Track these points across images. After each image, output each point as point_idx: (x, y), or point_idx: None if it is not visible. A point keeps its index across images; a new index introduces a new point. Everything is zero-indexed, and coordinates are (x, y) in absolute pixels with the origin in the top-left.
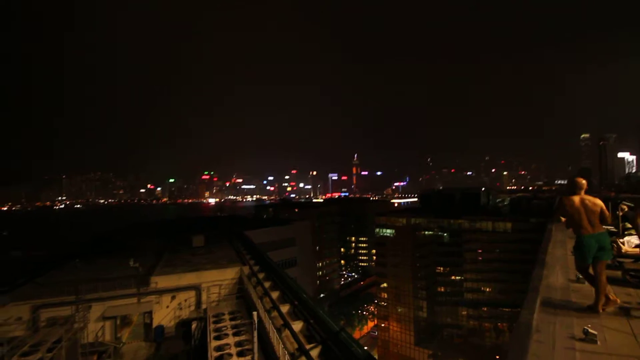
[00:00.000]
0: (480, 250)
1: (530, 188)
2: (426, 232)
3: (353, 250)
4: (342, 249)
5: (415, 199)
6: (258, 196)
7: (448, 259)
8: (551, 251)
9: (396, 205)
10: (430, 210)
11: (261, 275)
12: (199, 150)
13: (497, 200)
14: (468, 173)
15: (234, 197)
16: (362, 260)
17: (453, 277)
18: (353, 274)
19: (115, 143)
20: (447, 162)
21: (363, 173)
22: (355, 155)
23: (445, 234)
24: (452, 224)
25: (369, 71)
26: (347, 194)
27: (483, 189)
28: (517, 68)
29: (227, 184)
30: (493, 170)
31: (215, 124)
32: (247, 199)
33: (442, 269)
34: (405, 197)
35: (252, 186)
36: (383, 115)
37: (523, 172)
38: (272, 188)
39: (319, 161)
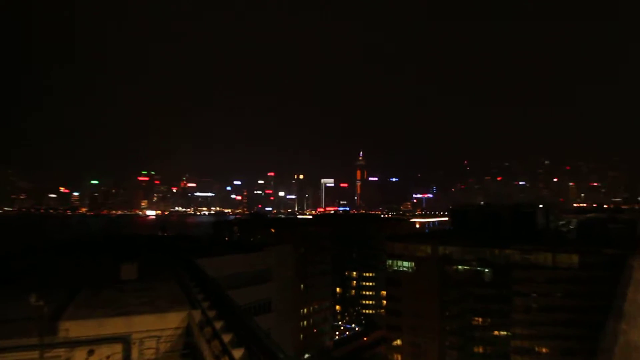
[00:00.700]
0: (535, 295)
1: (606, 206)
2: (460, 267)
3: (354, 291)
4: (337, 289)
5: (445, 218)
6: (218, 208)
7: (490, 306)
8: (632, 297)
9: (418, 226)
10: (467, 234)
11: (219, 325)
12: (135, 141)
13: (560, 222)
14: (520, 183)
15: (184, 209)
16: (367, 306)
17: (496, 333)
18: (353, 325)
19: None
20: (491, 167)
21: (371, 179)
22: (361, 154)
23: (486, 270)
24: (497, 256)
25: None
26: (347, 208)
27: (541, 205)
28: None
29: (175, 190)
30: (555, 179)
31: (157, 104)
32: (203, 212)
33: (480, 320)
34: (430, 215)
35: (210, 194)
36: (403, 101)
37: (596, 184)
38: (238, 197)
39: (309, 161)
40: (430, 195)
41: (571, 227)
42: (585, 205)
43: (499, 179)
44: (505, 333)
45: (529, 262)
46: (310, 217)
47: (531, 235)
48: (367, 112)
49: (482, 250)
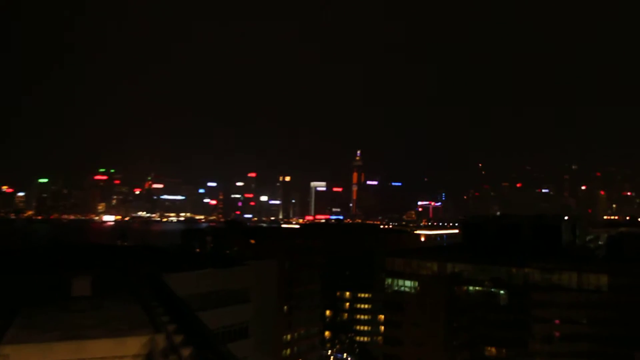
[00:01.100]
0: (557, 321)
1: None
2: (471, 288)
3: (347, 315)
4: (327, 312)
5: (455, 231)
6: (189, 214)
7: (505, 334)
8: None
9: (423, 239)
10: (480, 250)
11: (186, 352)
12: (94, 136)
13: (588, 237)
14: (543, 191)
15: (148, 215)
16: (361, 333)
17: None
18: (345, 355)
19: None
20: (509, 171)
21: (370, 183)
22: (358, 153)
23: (501, 292)
24: (514, 276)
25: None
26: (341, 217)
27: (566, 217)
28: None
29: (138, 192)
30: (583, 187)
31: (123, 94)
32: (171, 219)
33: (494, 350)
34: (438, 227)
35: (179, 197)
36: (408, 93)
37: (630, 193)
38: (213, 202)
39: (297, 161)
40: (438, 204)
41: (600, 242)
42: (617, 217)
43: (518, 185)
44: None
45: (551, 283)
46: (297, 226)
47: (554, 252)
48: (367, 106)
49: (497, 269)
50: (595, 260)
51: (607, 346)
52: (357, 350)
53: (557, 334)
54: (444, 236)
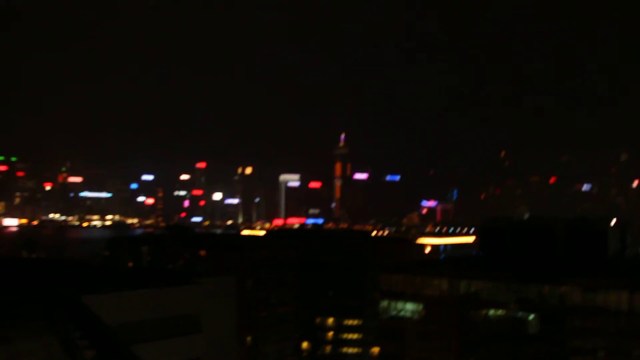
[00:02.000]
0: (603, 353)
1: None
2: (492, 312)
3: (330, 347)
4: (304, 344)
5: (471, 238)
6: (118, 217)
7: None
8: None
9: (429, 249)
10: (502, 263)
11: None
12: None
13: None
14: (584, 187)
15: (63, 217)
16: None
17: None
18: None
19: None
20: (540, 162)
21: (358, 176)
22: (342, 137)
23: (531, 317)
24: (547, 296)
25: None
26: (320, 220)
27: (614, 220)
28: None
29: (49, 188)
30: (634, 183)
31: (32, 60)
32: (94, 222)
33: None
34: (448, 234)
35: (104, 194)
36: (406, 58)
37: None
38: (149, 200)
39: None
40: (449, 204)
41: None
42: None
43: (551, 180)
44: None
45: (594, 305)
46: (263, 233)
47: (599, 266)
48: (352, 74)
49: (525, 287)
50: None
51: None
52: None
53: None
54: (456, 246)
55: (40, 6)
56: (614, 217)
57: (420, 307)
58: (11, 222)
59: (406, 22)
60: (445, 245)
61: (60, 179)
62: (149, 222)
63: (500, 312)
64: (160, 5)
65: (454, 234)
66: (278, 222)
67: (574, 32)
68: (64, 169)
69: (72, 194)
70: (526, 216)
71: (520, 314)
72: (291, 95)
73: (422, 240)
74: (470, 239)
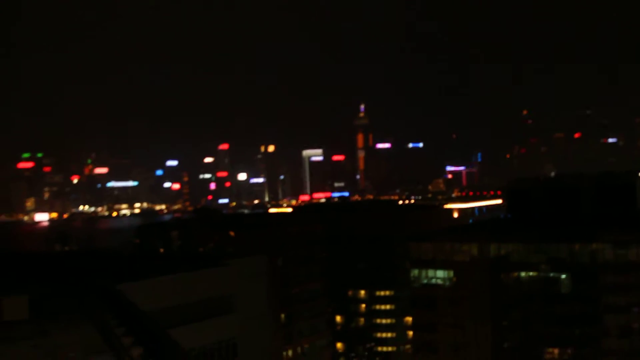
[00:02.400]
0: (638, 309)
1: None
2: (523, 274)
3: (363, 319)
4: (338, 318)
5: (498, 201)
6: (146, 204)
7: (570, 331)
8: None
9: (456, 215)
10: (531, 224)
11: None
12: (10, 112)
13: None
14: (610, 141)
15: (93, 209)
16: (385, 341)
17: None
18: None
19: None
20: (563, 118)
21: (380, 146)
22: (362, 108)
23: (563, 277)
24: (578, 254)
25: None
26: (346, 193)
27: None
28: None
29: (76, 180)
30: None
31: (50, 57)
32: (123, 211)
33: (556, 352)
34: (475, 198)
35: (131, 183)
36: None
37: None
38: (176, 186)
39: (282, 124)
40: (473, 168)
41: None
42: None
43: (576, 136)
44: None
45: (627, 261)
46: (290, 210)
47: (630, 220)
48: (370, 43)
49: (556, 247)
50: None
51: None
52: None
53: (637, 325)
54: (484, 209)
55: None
56: None
57: (451, 273)
58: (42, 217)
59: None
60: (473, 209)
61: (86, 171)
62: (176, 207)
63: (531, 273)
64: None
65: (480, 198)
66: (304, 197)
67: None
68: (89, 161)
69: (99, 185)
70: (552, 174)
71: (551, 274)
72: (306, 68)
73: (449, 205)
74: (498, 201)
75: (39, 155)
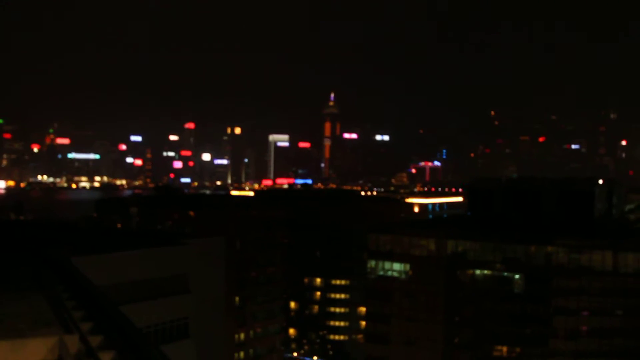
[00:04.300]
0: (586, 313)
1: None
2: (478, 272)
3: (317, 307)
4: (292, 304)
5: (459, 198)
6: (106, 178)
7: (520, 330)
8: None
9: (417, 209)
10: (490, 223)
11: (107, 357)
12: None
13: (628, 206)
14: (572, 147)
15: (51, 179)
16: (336, 330)
17: None
18: (315, 358)
19: None
20: (529, 121)
21: (347, 136)
22: (332, 97)
23: (516, 277)
24: (533, 255)
25: None
26: (309, 181)
27: (601, 181)
28: None
29: (36, 149)
30: (622, 142)
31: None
32: (82, 184)
33: (505, 350)
34: (437, 194)
35: (92, 155)
36: (397, 17)
37: None
38: (138, 162)
39: (249, 108)
40: (438, 164)
41: None
42: None
43: (540, 140)
44: None
45: (579, 265)
46: (252, 193)
47: (585, 226)
48: (342, 29)
49: (512, 247)
50: (636, 235)
51: None
52: (332, 352)
53: (585, 328)
54: (444, 205)
55: None
56: (602, 177)
57: (408, 267)
58: None
59: None
60: (434, 205)
61: (47, 140)
62: (137, 183)
63: (486, 272)
64: None
65: (442, 194)
66: (267, 182)
67: None
68: (51, 130)
69: (60, 156)
70: (514, 176)
71: (506, 273)
72: (277, 52)
73: (411, 200)
74: (459, 199)
75: (0, 121)
